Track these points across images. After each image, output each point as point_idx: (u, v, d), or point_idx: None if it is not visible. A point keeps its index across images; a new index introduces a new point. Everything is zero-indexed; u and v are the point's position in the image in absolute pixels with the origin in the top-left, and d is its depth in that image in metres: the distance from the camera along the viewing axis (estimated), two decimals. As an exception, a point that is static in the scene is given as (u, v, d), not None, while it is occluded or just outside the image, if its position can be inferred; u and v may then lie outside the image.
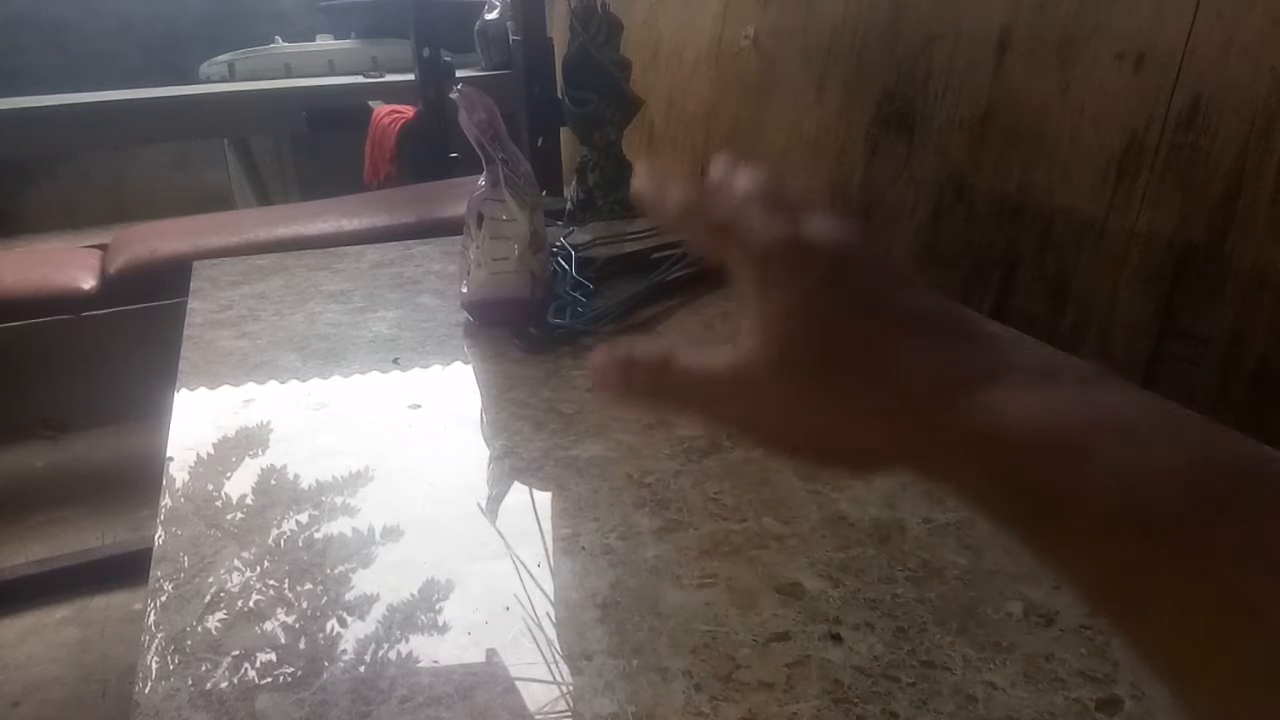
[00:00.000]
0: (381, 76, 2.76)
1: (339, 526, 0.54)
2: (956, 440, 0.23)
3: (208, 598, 0.48)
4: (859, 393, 0.25)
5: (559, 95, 1.59)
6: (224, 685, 0.42)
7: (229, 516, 0.56)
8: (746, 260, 0.28)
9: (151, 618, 0.47)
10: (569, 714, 0.41)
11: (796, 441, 0.28)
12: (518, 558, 0.51)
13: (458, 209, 1.69)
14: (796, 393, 0.27)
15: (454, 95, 0.83)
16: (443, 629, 0.46)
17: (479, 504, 0.57)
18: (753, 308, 0.28)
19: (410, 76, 2.44)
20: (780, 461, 0.61)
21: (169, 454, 0.63)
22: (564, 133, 1.78)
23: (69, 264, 1.73)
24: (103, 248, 1.79)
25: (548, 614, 0.47)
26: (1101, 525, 0.20)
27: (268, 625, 0.46)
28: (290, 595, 0.48)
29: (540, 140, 1.71)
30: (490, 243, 0.81)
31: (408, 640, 0.45)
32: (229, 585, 0.49)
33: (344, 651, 0.44)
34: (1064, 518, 0.21)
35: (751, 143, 1.74)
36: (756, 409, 0.28)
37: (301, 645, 0.45)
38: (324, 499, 0.57)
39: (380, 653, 0.44)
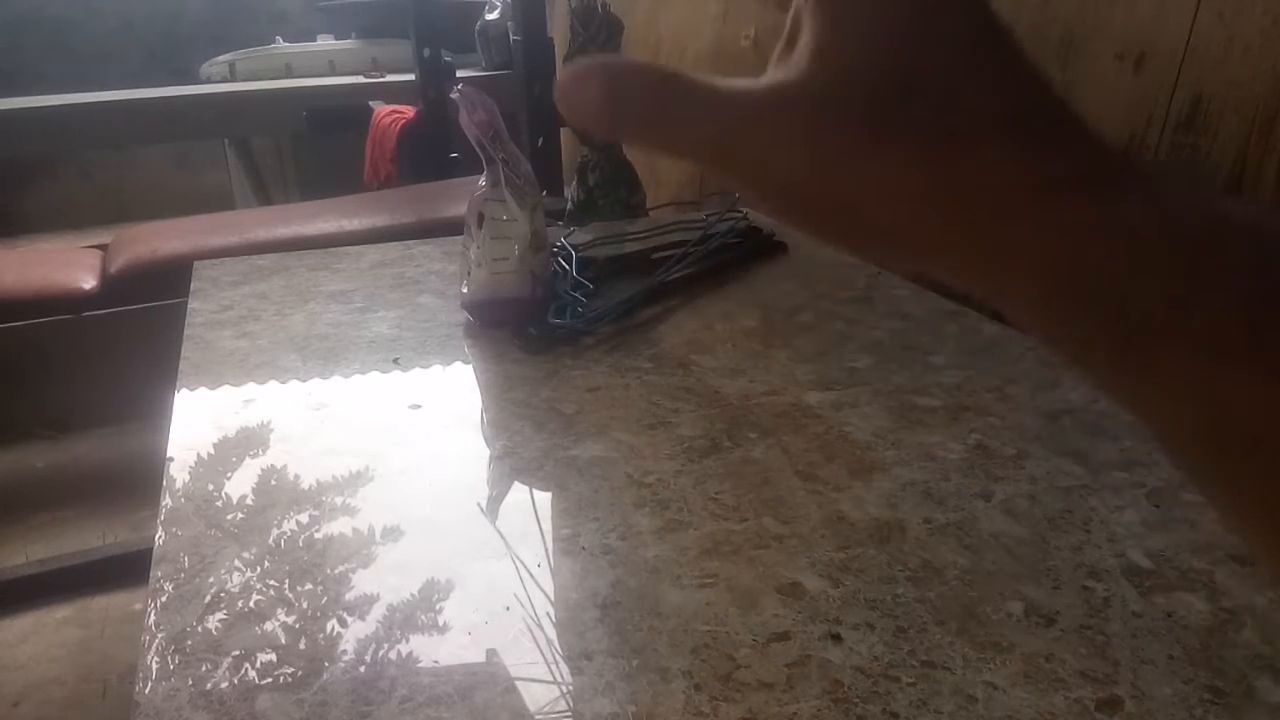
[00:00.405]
0: (382, 76, 2.77)
1: (339, 526, 0.54)
2: (1037, 253, 0.18)
3: (208, 598, 0.48)
4: (927, 161, 0.19)
5: (559, 95, 1.59)
6: (224, 685, 0.42)
7: (229, 516, 0.56)
8: None
9: (151, 618, 0.47)
10: (569, 714, 0.41)
11: (829, 213, 0.20)
12: (518, 558, 0.51)
13: (458, 209, 1.69)
14: (846, 145, 0.19)
15: (454, 95, 0.83)
16: (443, 629, 0.46)
17: (479, 504, 0.57)
18: (819, 8, 0.20)
19: (410, 76, 2.44)
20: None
21: (169, 454, 0.63)
22: (564, 133, 1.78)
23: (69, 264, 1.73)
24: (103, 248, 1.79)
25: (548, 614, 0.47)
26: (1207, 356, 0.16)
27: (268, 625, 0.46)
28: (290, 595, 0.48)
29: (540, 140, 1.71)
30: (490, 243, 0.81)
31: (408, 640, 0.45)
32: (229, 585, 0.49)
33: (344, 652, 0.44)
34: (1166, 351, 0.17)
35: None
36: (789, 162, 0.20)
37: (301, 645, 0.45)
38: (324, 499, 0.57)
39: (380, 653, 0.44)
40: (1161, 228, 0.17)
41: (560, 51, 1.47)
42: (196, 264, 1.02)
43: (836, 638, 0.45)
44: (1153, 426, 0.18)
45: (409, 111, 2.35)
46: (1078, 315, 0.18)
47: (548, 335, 0.80)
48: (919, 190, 0.19)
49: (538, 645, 0.45)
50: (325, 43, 3.16)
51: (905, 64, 0.19)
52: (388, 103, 2.49)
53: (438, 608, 0.47)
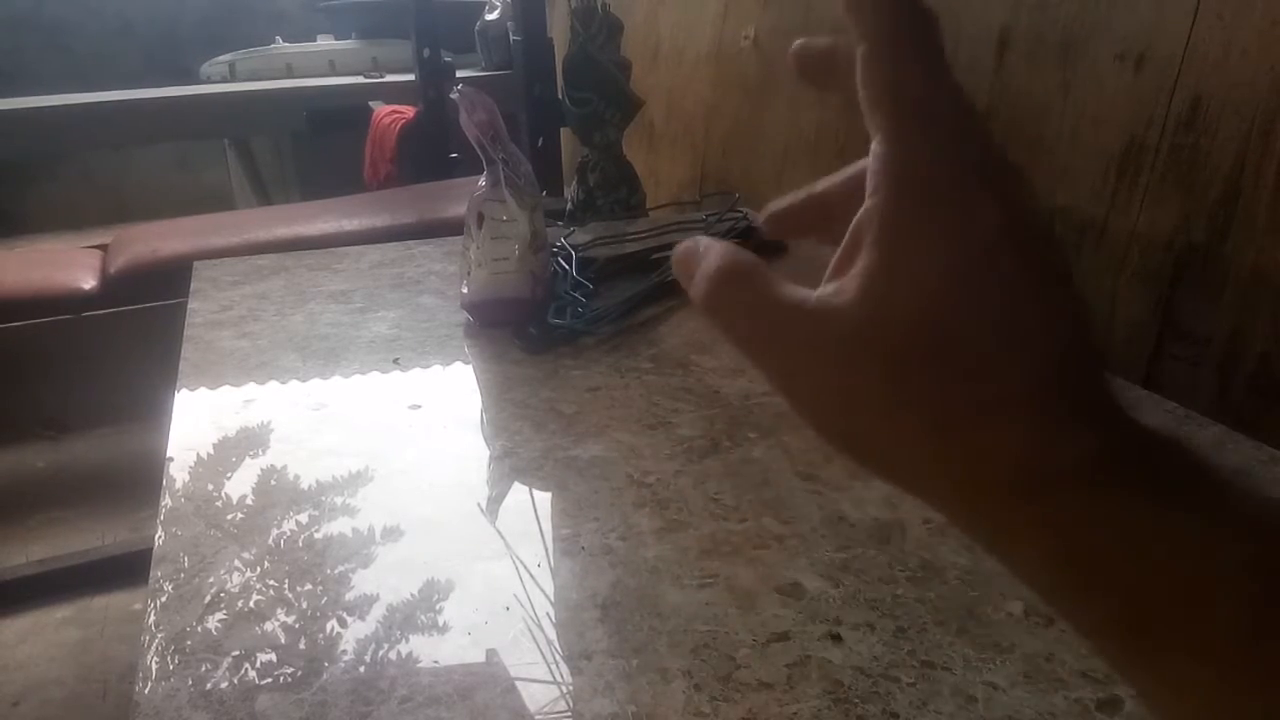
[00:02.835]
0: (381, 76, 2.77)
1: (339, 526, 0.54)
2: (1037, 542, 0.19)
3: (208, 598, 0.48)
4: (938, 433, 0.19)
5: (559, 95, 1.59)
6: (224, 685, 0.42)
7: (229, 516, 0.56)
8: (912, 149, 0.20)
9: (151, 618, 0.47)
10: (569, 714, 0.41)
11: (840, 435, 0.21)
12: (518, 558, 0.51)
13: (458, 209, 1.69)
14: (866, 392, 0.20)
15: (454, 95, 0.83)
16: (443, 629, 0.46)
17: (479, 504, 0.57)
18: (873, 244, 0.20)
19: (410, 76, 2.44)
20: (782, 462, 0.61)
21: (169, 454, 0.63)
22: (564, 133, 1.78)
23: (69, 264, 1.73)
24: (103, 248, 1.79)
25: (548, 614, 0.47)
26: (1206, 653, 0.17)
27: (268, 625, 0.46)
28: (290, 595, 0.48)
29: (540, 140, 1.71)
30: (490, 243, 0.81)
31: (408, 640, 0.45)
32: (229, 585, 0.49)
33: (344, 652, 0.44)
34: (1158, 637, 0.18)
35: (751, 143, 1.74)
36: (811, 381, 0.21)
37: (301, 645, 0.45)
38: (324, 499, 0.57)
39: (380, 653, 0.44)
40: (1160, 529, 0.17)
41: (560, 51, 1.47)
42: (196, 264, 1.02)
43: (836, 638, 0.45)
44: (1158, 714, 0.19)
45: (409, 111, 2.35)
46: (1079, 603, 0.19)
47: (548, 335, 0.80)
48: (927, 456, 0.20)
49: (538, 645, 0.45)
50: (325, 43, 3.16)
51: (944, 318, 0.19)
52: (388, 103, 2.49)
53: (438, 608, 0.47)
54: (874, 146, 0.21)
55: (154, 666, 0.43)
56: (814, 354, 0.20)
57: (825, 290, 0.21)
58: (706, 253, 0.23)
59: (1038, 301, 0.19)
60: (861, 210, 0.21)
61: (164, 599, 0.48)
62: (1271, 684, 0.16)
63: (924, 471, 0.20)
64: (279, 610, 0.47)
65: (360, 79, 2.75)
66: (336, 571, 0.50)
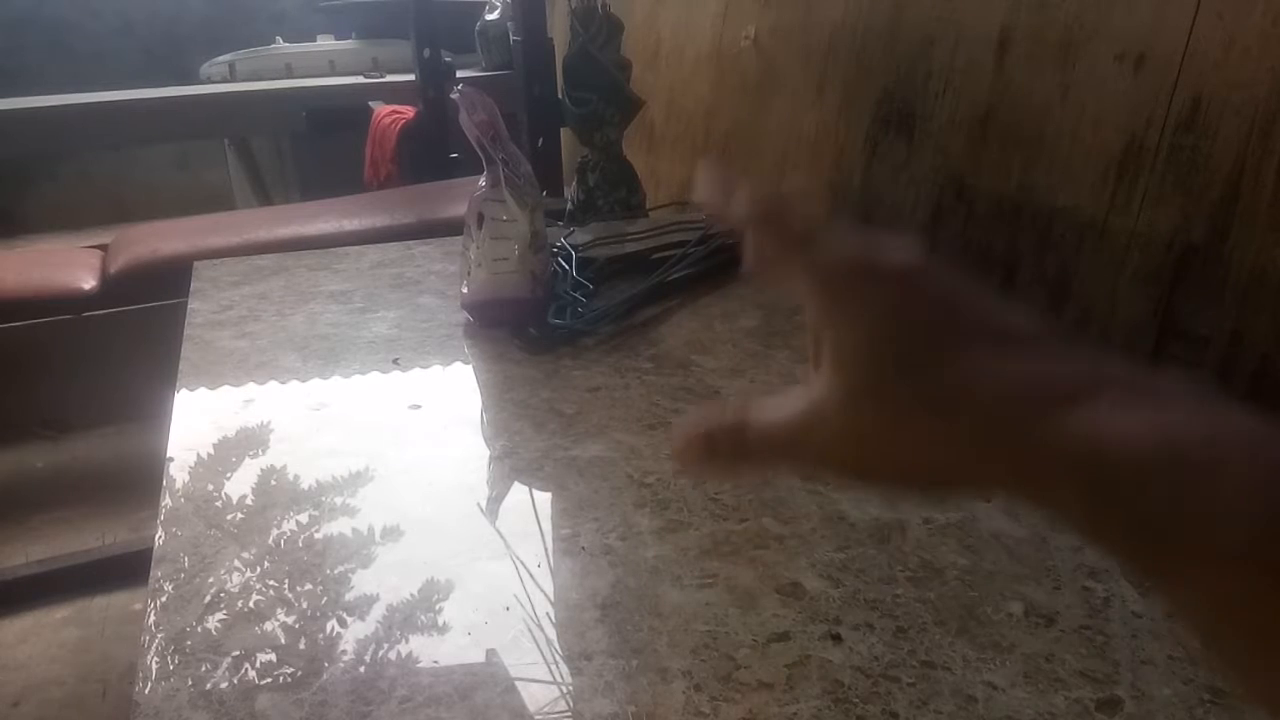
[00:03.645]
0: (382, 77, 2.77)
1: (339, 526, 0.54)
2: (1060, 461, 0.22)
3: (208, 598, 0.48)
4: (950, 416, 0.24)
5: (559, 95, 1.59)
6: (224, 685, 0.42)
7: (229, 516, 0.56)
8: (816, 285, 0.27)
9: (151, 618, 0.47)
10: (569, 714, 0.41)
11: (893, 475, 0.27)
12: (518, 558, 0.51)
13: (458, 209, 1.69)
14: (885, 423, 0.26)
15: (454, 95, 0.83)
16: (443, 629, 0.46)
17: (479, 504, 0.57)
18: (827, 337, 0.27)
19: (410, 77, 2.44)
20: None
21: (169, 454, 0.63)
22: (564, 133, 1.78)
23: (70, 264, 1.73)
24: (103, 248, 1.79)
25: (548, 614, 0.47)
26: (1220, 557, 0.19)
27: (268, 625, 0.46)
28: (290, 595, 0.48)
29: (540, 140, 1.71)
30: (490, 243, 0.81)
31: (408, 640, 0.45)
32: (229, 585, 0.49)
33: (344, 651, 0.44)
34: (1180, 546, 0.20)
35: (751, 143, 1.74)
36: (846, 448, 0.27)
37: (301, 645, 0.45)
38: (324, 499, 0.57)
39: (380, 653, 0.44)
40: (1148, 447, 0.21)
41: (560, 51, 1.47)
42: (196, 264, 1.02)
43: (836, 638, 0.45)
44: (1177, 614, 0.22)
45: (409, 111, 2.35)
46: (1106, 524, 0.22)
47: (548, 335, 0.80)
48: (942, 440, 0.25)
49: (538, 645, 0.45)
50: (325, 43, 3.16)
51: (896, 350, 0.26)
52: (388, 103, 2.49)
53: (438, 608, 0.47)
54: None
55: (154, 666, 0.43)
56: (833, 426, 0.27)
57: (815, 386, 0.27)
58: (713, 423, 0.30)
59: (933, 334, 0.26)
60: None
61: (164, 599, 0.48)
62: None
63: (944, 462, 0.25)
64: (279, 610, 0.47)
65: (360, 79, 2.75)
66: (336, 571, 0.50)
